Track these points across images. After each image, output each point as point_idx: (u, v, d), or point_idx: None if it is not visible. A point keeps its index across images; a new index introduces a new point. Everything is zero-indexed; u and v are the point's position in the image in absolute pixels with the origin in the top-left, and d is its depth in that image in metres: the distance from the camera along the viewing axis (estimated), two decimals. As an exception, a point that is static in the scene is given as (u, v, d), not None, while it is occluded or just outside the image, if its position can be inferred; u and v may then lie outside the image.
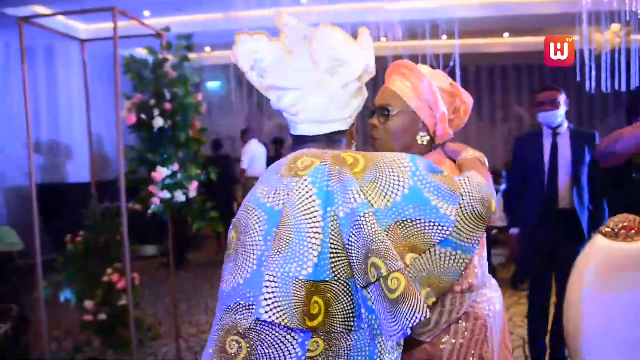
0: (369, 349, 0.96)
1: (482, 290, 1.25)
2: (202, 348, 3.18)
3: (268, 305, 0.89)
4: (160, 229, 5.09)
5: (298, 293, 0.90)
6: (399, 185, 0.97)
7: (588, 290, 1.70)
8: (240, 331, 0.95)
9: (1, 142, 6.01)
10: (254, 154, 6.64)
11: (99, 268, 2.95)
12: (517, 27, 6.95)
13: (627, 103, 2.28)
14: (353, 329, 0.95)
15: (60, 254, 3.03)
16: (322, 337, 0.94)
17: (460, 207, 0.98)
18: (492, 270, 4.65)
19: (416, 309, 0.87)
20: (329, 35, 1.02)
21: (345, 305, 0.94)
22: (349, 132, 1.12)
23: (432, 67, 1.38)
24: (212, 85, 9.17)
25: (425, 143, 1.30)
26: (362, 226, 0.91)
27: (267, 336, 0.93)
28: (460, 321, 1.19)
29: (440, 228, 0.96)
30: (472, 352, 1.18)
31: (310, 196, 0.95)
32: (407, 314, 0.87)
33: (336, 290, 0.93)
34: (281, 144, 7.48)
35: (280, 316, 0.89)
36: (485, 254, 1.24)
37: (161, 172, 2.83)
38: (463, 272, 1.02)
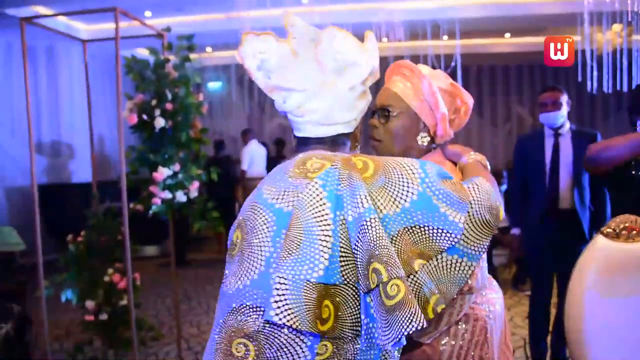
0: (373, 352, 0.96)
1: (482, 292, 1.24)
2: (203, 348, 3.18)
3: (279, 307, 0.88)
4: (161, 229, 5.09)
5: (309, 295, 0.90)
6: (408, 191, 0.97)
7: (589, 291, 1.70)
8: (248, 333, 0.94)
9: (3, 142, 6.02)
10: (253, 154, 6.64)
11: (100, 268, 2.96)
12: (518, 27, 6.95)
13: (629, 101, 2.28)
14: (360, 333, 0.95)
15: (62, 254, 3.04)
16: (331, 341, 0.93)
17: (469, 215, 0.98)
18: (493, 271, 4.67)
19: (413, 317, 0.86)
20: (336, 37, 1.02)
21: (353, 310, 0.94)
22: (352, 135, 1.12)
23: (433, 67, 1.38)
24: (213, 85, 9.18)
25: (425, 143, 1.30)
26: (367, 231, 0.91)
27: (275, 339, 0.92)
28: (460, 323, 1.18)
29: (448, 235, 0.96)
30: (472, 353, 1.18)
31: (321, 199, 0.95)
32: (403, 322, 0.86)
33: (345, 294, 0.93)
34: (283, 145, 7.48)
35: (291, 318, 0.88)
36: (485, 255, 1.24)
37: (162, 172, 2.84)
38: (468, 280, 1.02)
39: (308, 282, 0.90)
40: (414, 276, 0.95)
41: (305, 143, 1.10)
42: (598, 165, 2.06)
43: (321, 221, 0.93)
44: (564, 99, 2.83)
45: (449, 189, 0.99)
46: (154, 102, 2.84)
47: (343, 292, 0.93)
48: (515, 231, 3.10)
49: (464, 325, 1.19)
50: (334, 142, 1.09)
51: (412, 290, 0.94)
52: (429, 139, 1.30)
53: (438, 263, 0.97)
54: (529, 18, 6.21)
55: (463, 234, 0.97)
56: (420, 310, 0.88)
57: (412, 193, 0.97)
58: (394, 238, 0.95)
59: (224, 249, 1.10)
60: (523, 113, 9.53)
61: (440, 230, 0.96)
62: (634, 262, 1.69)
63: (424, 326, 0.87)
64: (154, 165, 2.87)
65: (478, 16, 6.12)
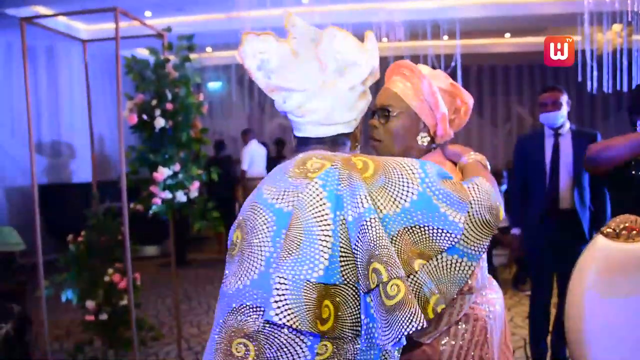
0: (373, 352, 0.96)
1: (482, 292, 1.24)
2: (203, 348, 3.18)
3: (278, 307, 0.88)
4: (162, 229, 5.09)
5: (309, 295, 0.90)
6: (407, 191, 0.97)
7: (589, 291, 1.70)
8: (248, 333, 0.94)
9: (3, 142, 6.02)
10: (253, 154, 6.64)
11: (101, 268, 2.96)
12: (519, 27, 6.95)
13: (629, 101, 2.28)
14: (359, 333, 0.95)
15: (62, 254, 3.04)
16: (331, 341, 0.93)
17: (469, 215, 0.98)
18: (493, 271, 4.67)
19: (413, 317, 0.86)
20: (337, 37, 1.02)
21: (353, 310, 0.94)
22: (352, 135, 1.12)
23: (434, 67, 1.38)
24: (213, 85, 9.18)
25: (425, 143, 1.30)
26: (367, 231, 0.91)
27: (275, 339, 0.92)
28: (460, 323, 1.18)
29: (448, 235, 0.96)
30: (472, 353, 1.18)
31: (321, 199, 0.95)
32: (403, 322, 0.86)
33: (345, 294, 0.93)
34: (283, 145, 7.48)
35: (291, 318, 0.88)
36: (485, 255, 1.24)
37: (162, 172, 2.84)
38: (468, 280, 1.02)
39: (308, 282, 0.90)
40: (414, 276, 0.95)
41: (305, 143, 1.10)
42: (598, 165, 2.06)
43: (321, 221, 0.93)
44: (564, 99, 2.83)
45: (449, 189, 0.99)
46: (154, 102, 2.84)
47: (343, 292, 0.93)
48: (516, 231, 3.10)
49: (464, 325, 1.19)
50: (334, 142, 1.09)
51: (412, 290, 0.94)
52: (429, 139, 1.30)
53: (438, 263, 0.98)
54: (529, 18, 6.21)
55: (463, 234, 0.97)
56: (420, 310, 0.88)
57: (412, 193, 0.97)
58: (394, 238, 0.95)
59: (224, 249, 1.10)
60: (523, 113, 9.53)
61: (440, 230, 0.96)
62: (634, 262, 1.69)
63: (424, 326, 0.87)
64: (154, 165, 2.87)
65: (478, 16, 6.12)
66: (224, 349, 0.95)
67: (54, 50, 6.84)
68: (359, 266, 0.92)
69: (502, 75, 9.54)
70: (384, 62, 1.19)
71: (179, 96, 2.89)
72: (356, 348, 0.95)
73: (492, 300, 1.26)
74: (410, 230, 0.96)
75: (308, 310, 0.89)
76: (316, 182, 0.97)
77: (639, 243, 1.69)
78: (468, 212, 0.98)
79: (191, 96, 2.94)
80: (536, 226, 2.91)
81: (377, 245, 0.90)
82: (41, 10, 5.38)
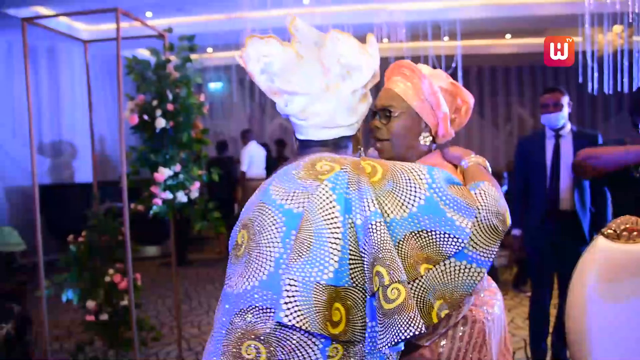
0: (379, 354, 0.96)
1: (481, 294, 1.24)
2: (204, 348, 3.18)
3: (288, 309, 0.88)
4: (162, 230, 5.09)
5: (319, 297, 0.90)
6: (415, 196, 0.98)
7: (590, 292, 1.70)
8: (258, 335, 0.93)
9: (4, 142, 6.02)
10: (253, 155, 6.64)
11: (101, 268, 2.96)
12: (519, 28, 6.95)
13: (630, 103, 2.28)
14: (366, 337, 0.95)
15: (62, 254, 3.04)
16: (341, 343, 0.94)
17: (477, 220, 0.99)
18: (494, 272, 4.66)
19: (412, 322, 0.87)
20: (340, 41, 1.03)
21: (363, 313, 0.94)
22: (354, 137, 1.13)
23: (434, 68, 1.38)
24: (214, 86, 9.18)
25: (427, 143, 1.30)
26: (372, 234, 0.91)
27: (287, 342, 0.92)
28: (458, 325, 1.18)
29: (454, 240, 0.97)
30: (470, 355, 1.18)
31: (331, 202, 0.96)
32: (401, 326, 0.86)
33: (355, 297, 0.94)
34: (284, 146, 7.49)
35: (301, 320, 0.88)
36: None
37: (163, 173, 2.84)
38: (476, 286, 1.02)
39: (318, 284, 0.90)
40: (419, 280, 0.95)
41: (307, 146, 1.10)
42: (585, 172, 2.09)
43: (331, 224, 0.94)
44: (565, 100, 2.83)
45: (457, 194, 0.99)
46: (155, 102, 2.84)
47: (353, 295, 0.93)
48: (516, 232, 3.10)
49: (462, 328, 1.19)
50: (336, 145, 1.10)
51: (417, 294, 0.94)
52: (430, 138, 1.30)
53: (445, 268, 0.98)
54: (529, 19, 6.21)
55: (471, 239, 0.98)
56: (419, 315, 0.88)
57: (420, 198, 0.97)
58: (401, 242, 0.95)
59: (225, 250, 1.09)
60: (524, 114, 9.53)
61: (447, 235, 0.97)
62: (634, 263, 1.69)
63: (422, 331, 0.87)
64: (155, 165, 2.87)
65: (479, 17, 6.11)
66: (233, 351, 0.95)
67: (55, 50, 6.84)
68: (366, 269, 0.92)
69: (503, 77, 9.54)
70: (385, 63, 1.20)
71: (180, 97, 2.90)
72: (364, 351, 0.95)
73: (490, 303, 1.26)
74: (417, 235, 0.96)
75: (318, 312, 0.89)
76: (326, 185, 0.97)
77: (640, 244, 1.69)
78: (476, 217, 0.99)
79: (192, 97, 2.94)
80: (537, 227, 2.91)
81: (381, 248, 0.90)
82: (42, 10, 5.39)
